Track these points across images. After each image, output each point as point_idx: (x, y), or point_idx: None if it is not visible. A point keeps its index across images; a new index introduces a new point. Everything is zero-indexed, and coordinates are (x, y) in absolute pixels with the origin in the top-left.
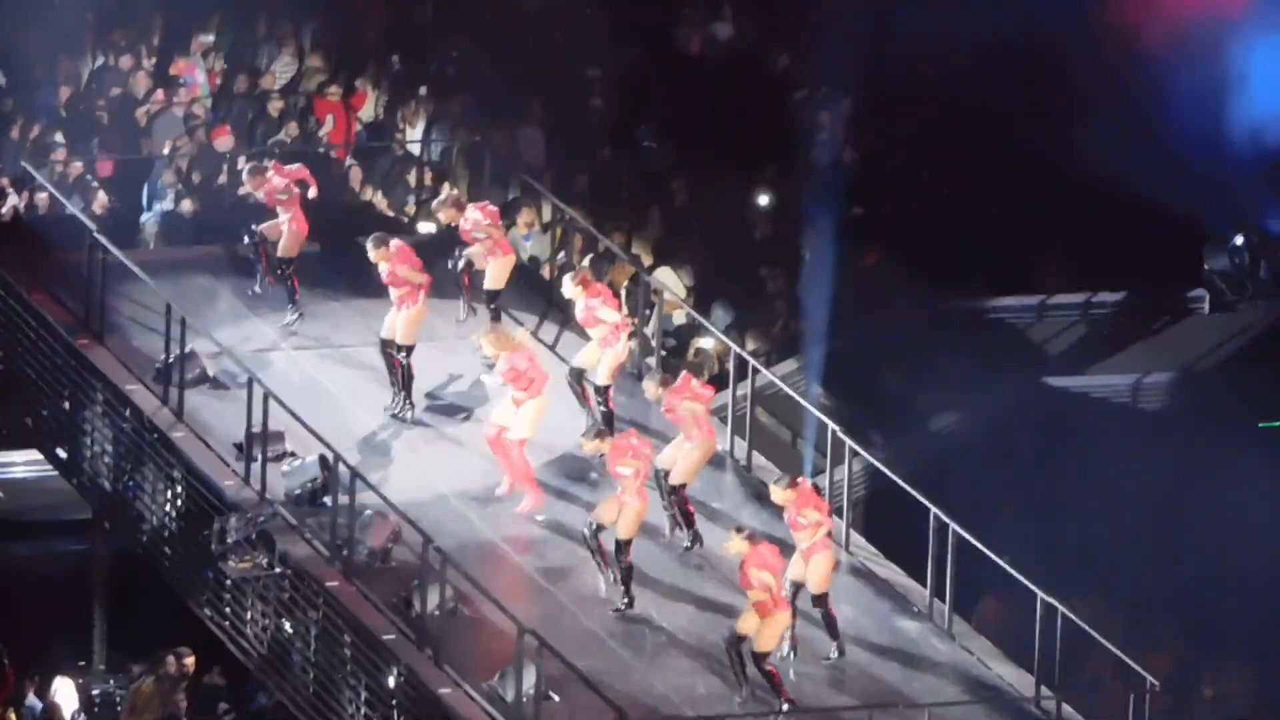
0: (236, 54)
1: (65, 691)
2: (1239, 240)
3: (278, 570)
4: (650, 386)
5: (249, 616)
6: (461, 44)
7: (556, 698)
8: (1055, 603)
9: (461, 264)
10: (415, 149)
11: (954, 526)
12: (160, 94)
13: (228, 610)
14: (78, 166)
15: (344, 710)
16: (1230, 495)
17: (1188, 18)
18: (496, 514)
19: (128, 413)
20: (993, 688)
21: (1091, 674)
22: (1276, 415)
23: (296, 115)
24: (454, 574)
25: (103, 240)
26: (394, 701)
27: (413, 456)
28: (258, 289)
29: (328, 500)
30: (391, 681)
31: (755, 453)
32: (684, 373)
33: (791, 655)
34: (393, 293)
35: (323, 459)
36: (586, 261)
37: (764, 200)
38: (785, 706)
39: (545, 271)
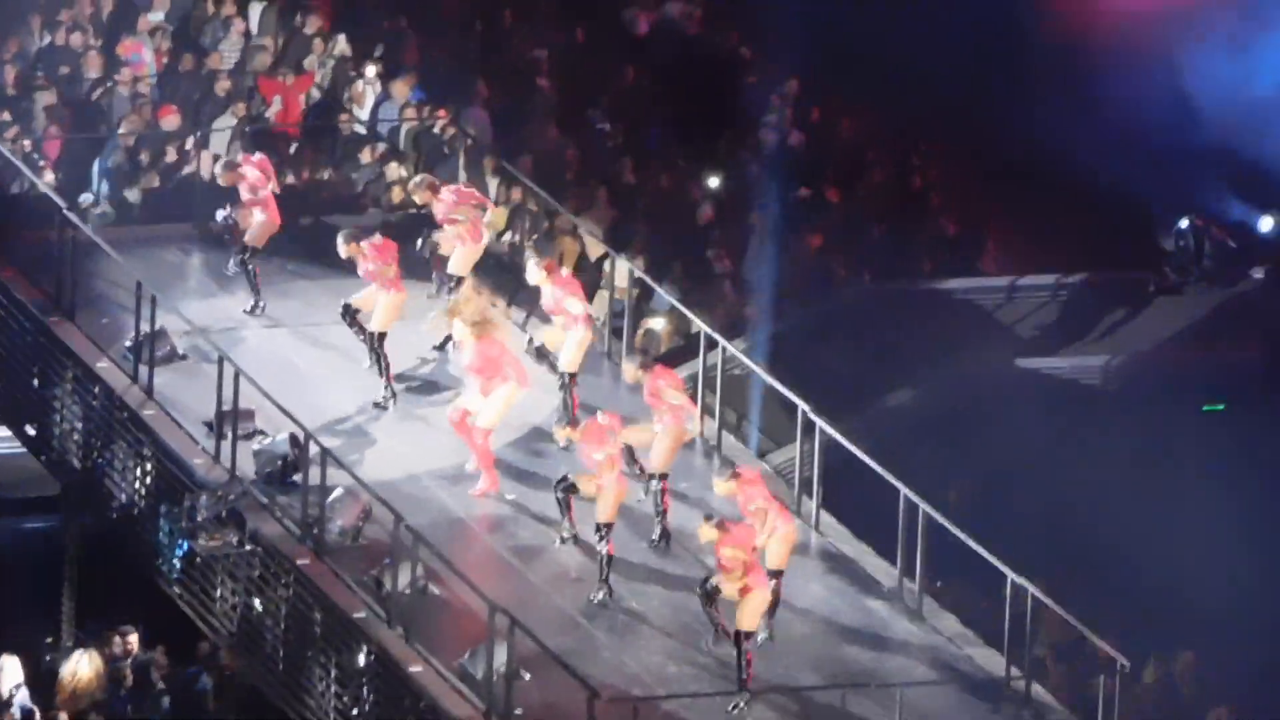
0: (183, 33)
1: (10, 668)
2: (1184, 224)
3: (248, 548)
4: (629, 369)
5: (218, 594)
6: (409, 25)
7: (528, 676)
8: (1026, 583)
9: (427, 252)
10: (399, 130)
11: (924, 506)
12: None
13: (197, 588)
14: (25, 145)
15: (314, 688)
16: (1174, 479)
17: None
18: (467, 493)
19: (97, 390)
20: (962, 668)
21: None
22: (1219, 399)
23: (244, 95)
24: (425, 552)
25: (72, 218)
26: (364, 679)
27: (383, 435)
28: (232, 268)
29: (298, 478)
30: (362, 660)
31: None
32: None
33: (768, 640)
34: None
35: (293, 437)
36: (530, 242)
37: (713, 182)
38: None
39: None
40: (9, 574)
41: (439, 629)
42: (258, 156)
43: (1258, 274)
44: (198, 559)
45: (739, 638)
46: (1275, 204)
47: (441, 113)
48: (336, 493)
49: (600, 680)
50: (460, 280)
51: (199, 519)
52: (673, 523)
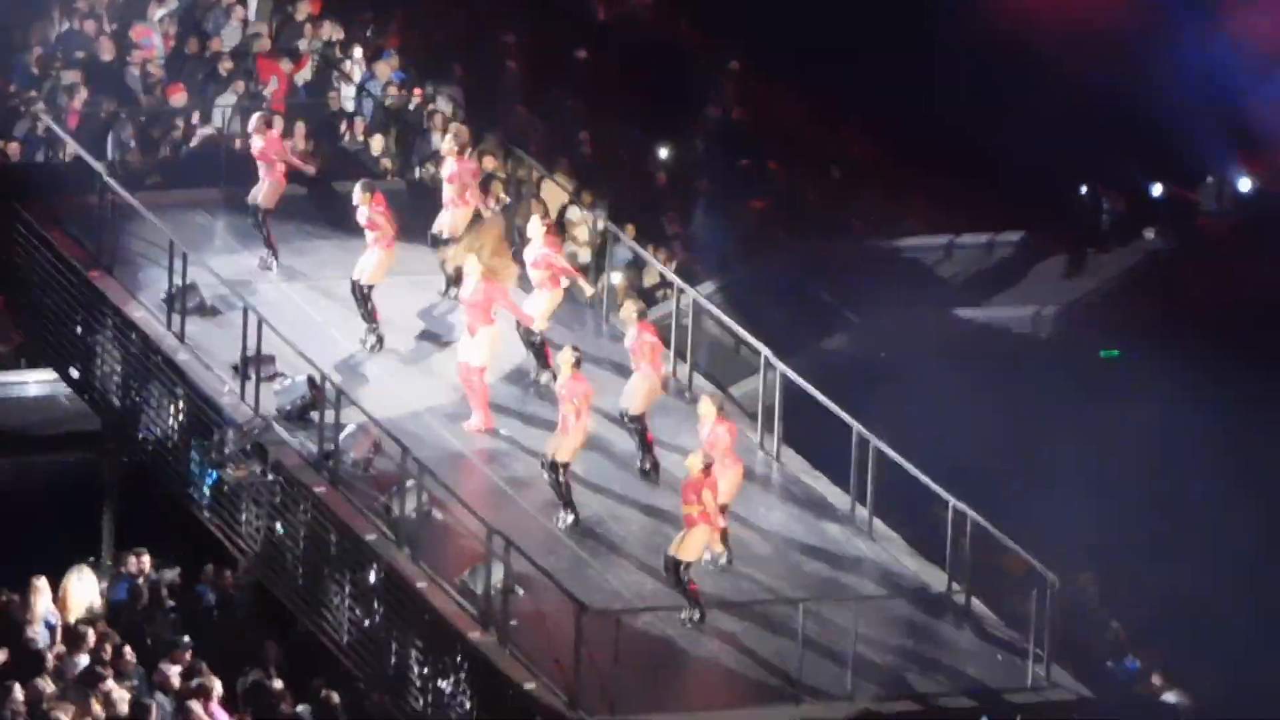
0: (189, 19)
1: (45, 589)
2: (1083, 190)
3: (270, 478)
4: (630, 307)
5: (244, 519)
6: (394, 12)
7: (521, 592)
8: (966, 508)
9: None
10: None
11: (875, 442)
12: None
13: (225, 514)
14: (48, 120)
15: (330, 602)
16: (1076, 421)
17: None
18: (464, 429)
19: (134, 337)
20: (909, 584)
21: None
22: (1115, 347)
23: (243, 75)
24: (429, 481)
25: (112, 183)
26: (375, 595)
27: (390, 378)
28: (265, 263)
29: (315, 416)
30: (373, 577)
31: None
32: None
33: (726, 561)
34: (368, 235)
35: (311, 379)
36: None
37: (664, 153)
38: (696, 615)
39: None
40: (54, 503)
41: (442, 550)
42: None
43: (1149, 234)
44: (225, 487)
45: (678, 566)
46: (1165, 171)
47: (418, 91)
48: (349, 428)
49: (586, 595)
50: (450, 240)
51: (226, 451)
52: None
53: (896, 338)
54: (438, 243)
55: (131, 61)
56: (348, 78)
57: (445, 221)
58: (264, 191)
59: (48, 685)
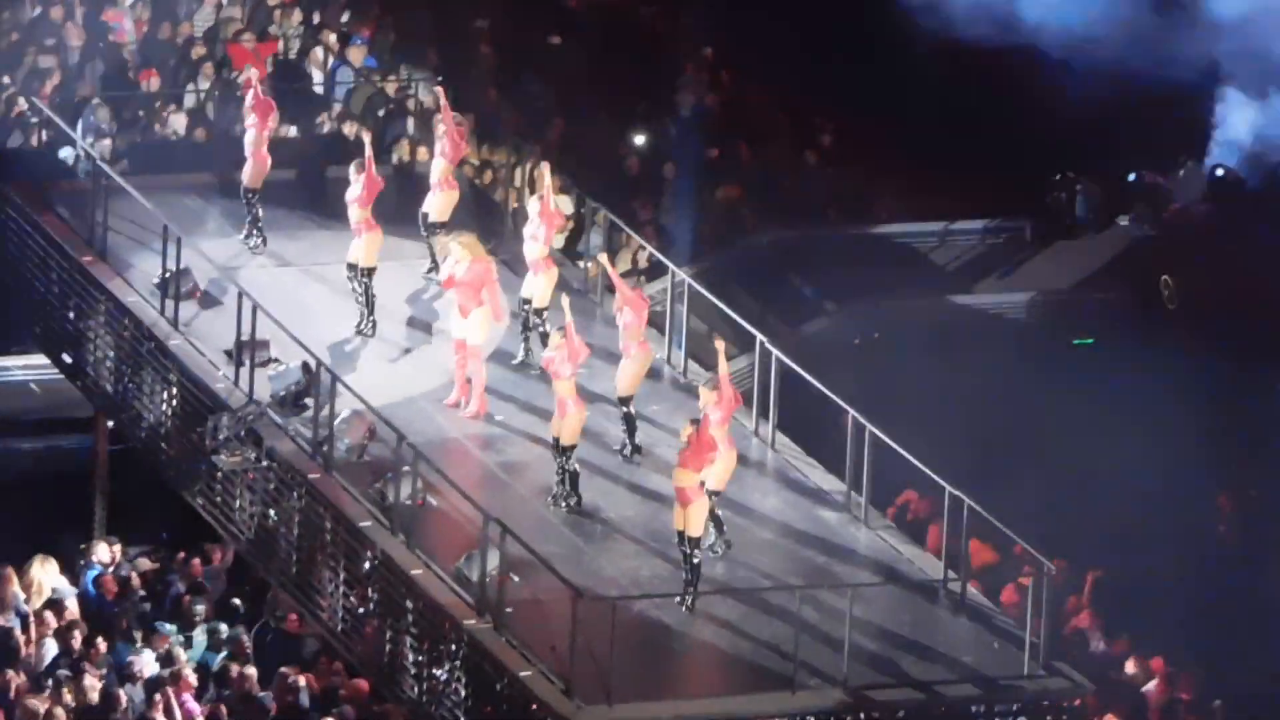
0: (161, 4)
1: (47, 569)
2: (1056, 177)
3: (265, 464)
4: (626, 292)
5: (238, 505)
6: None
7: (517, 579)
8: (962, 495)
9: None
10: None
11: (870, 428)
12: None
13: (219, 500)
14: (21, 105)
15: (325, 589)
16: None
17: None
18: (459, 414)
19: (127, 322)
20: (906, 570)
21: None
22: (1089, 335)
23: (215, 61)
24: (424, 467)
25: (105, 168)
26: (370, 581)
27: (384, 363)
28: (252, 245)
29: (309, 401)
30: (367, 564)
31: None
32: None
33: (725, 546)
34: (352, 218)
35: (305, 365)
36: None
37: (640, 140)
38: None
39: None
40: (46, 488)
41: (437, 536)
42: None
43: (1123, 221)
44: (219, 473)
45: (693, 543)
46: (1139, 160)
47: (392, 78)
48: (344, 414)
49: (581, 582)
50: (442, 225)
51: (220, 438)
52: (640, 441)
53: (885, 323)
54: (427, 224)
55: (104, 46)
56: (319, 64)
57: (434, 204)
58: (249, 171)
59: (18, 676)
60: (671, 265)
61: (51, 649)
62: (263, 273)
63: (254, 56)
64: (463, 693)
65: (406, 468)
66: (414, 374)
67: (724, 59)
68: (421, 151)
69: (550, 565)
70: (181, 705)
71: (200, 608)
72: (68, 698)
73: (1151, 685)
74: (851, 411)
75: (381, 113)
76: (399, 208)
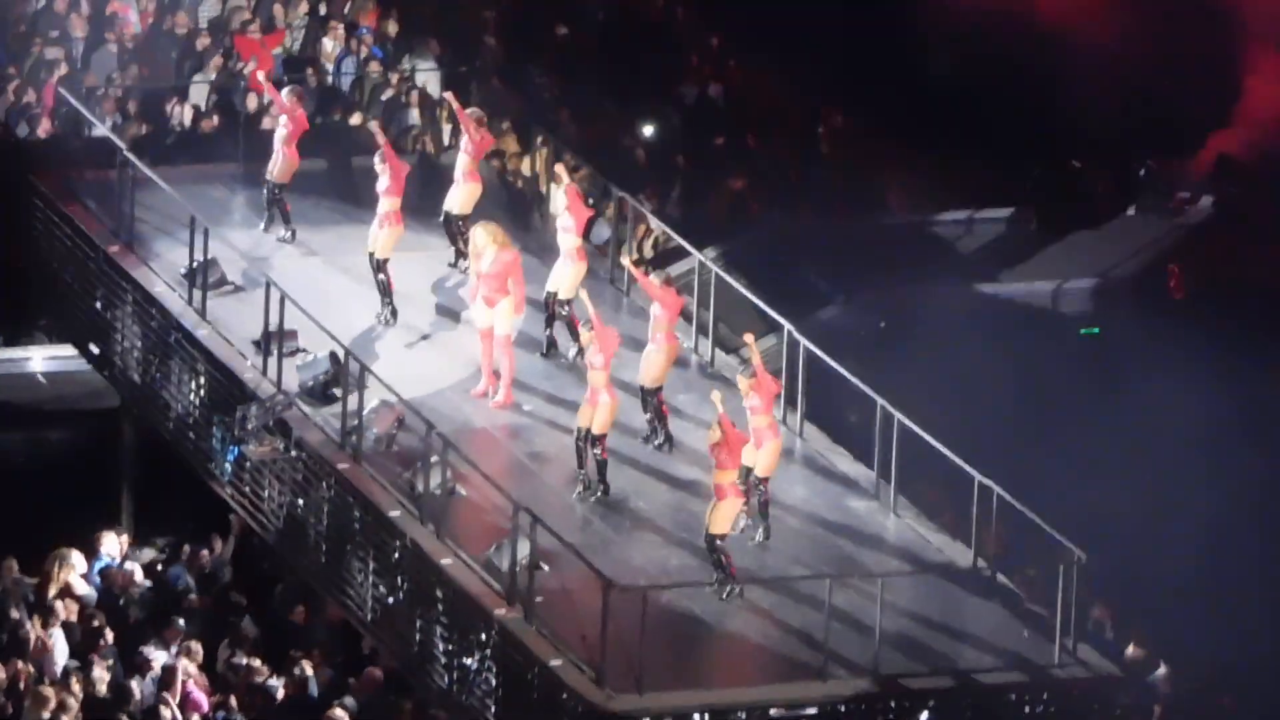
0: None
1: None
2: (1076, 165)
3: (293, 454)
4: (656, 281)
5: (266, 495)
6: None
7: (546, 568)
8: (991, 484)
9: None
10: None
11: (899, 416)
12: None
13: (247, 490)
14: (30, 96)
15: (354, 579)
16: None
17: None
18: (487, 404)
19: (155, 312)
20: (935, 559)
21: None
22: (1094, 325)
23: (221, 52)
24: (453, 457)
25: (132, 158)
26: (399, 571)
27: (411, 353)
28: (283, 235)
29: (337, 391)
30: (397, 553)
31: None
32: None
33: (764, 537)
34: (380, 207)
35: (333, 354)
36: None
37: (648, 130)
38: (729, 590)
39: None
40: (74, 479)
41: (466, 526)
42: (286, 94)
43: (1131, 212)
44: (247, 464)
45: (711, 540)
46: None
47: (394, 70)
48: (372, 404)
49: (610, 571)
50: (464, 218)
51: (249, 427)
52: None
53: (913, 312)
54: (449, 219)
55: (109, 38)
56: (328, 56)
57: (456, 198)
58: (278, 167)
59: (28, 667)
60: (696, 253)
61: (61, 640)
62: (290, 263)
63: (260, 48)
64: (493, 682)
65: (435, 457)
66: (441, 364)
67: (730, 48)
68: (428, 141)
69: (581, 554)
70: (189, 696)
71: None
72: (76, 688)
73: (1159, 674)
74: (881, 401)
75: (385, 97)
76: (422, 198)
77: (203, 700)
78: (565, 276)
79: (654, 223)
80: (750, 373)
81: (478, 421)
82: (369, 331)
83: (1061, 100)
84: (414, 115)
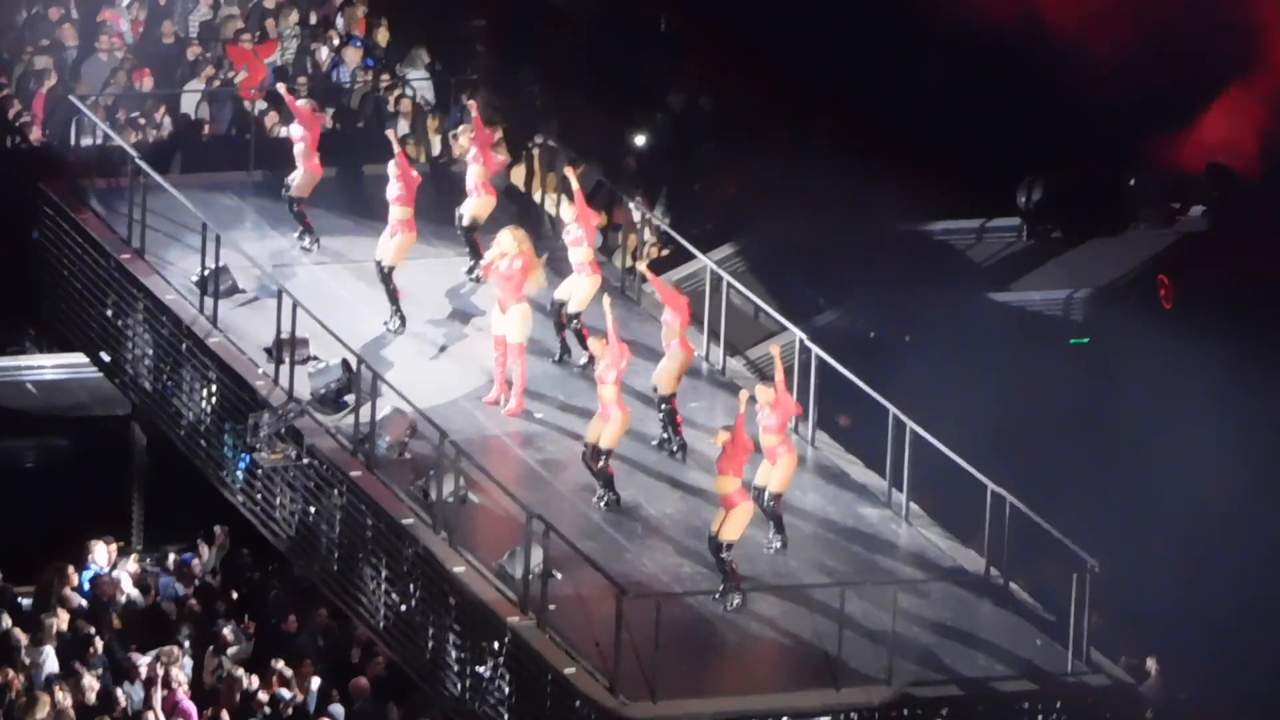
0: (156, 4)
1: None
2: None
3: (305, 461)
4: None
5: (278, 503)
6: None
7: (559, 575)
8: (1004, 492)
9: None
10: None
11: (911, 425)
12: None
13: (259, 497)
14: (16, 105)
15: (366, 586)
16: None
17: None
18: (499, 412)
19: (166, 320)
20: (948, 568)
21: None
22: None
23: (213, 61)
24: (466, 464)
25: (144, 166)
26: (412, 578)
27: (423, 361)
28: (306, 245)
29: (350, 399)
30: (409, 561)
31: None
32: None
33: (781, 546)
34: (392, 216)
35: (345, 362)
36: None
37: (640, 139)
38: (734, 600)
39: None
40: (84, 486)
41: (479, 533)
42: (303, 103)
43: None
44: (259, 471)
45: (718, 546)
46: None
47: (386, 77)
48: (385, 411)
49: (623, 579)
50: (477, 230)
51: (261, 435)
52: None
53: (919, 319)
54: (463, 227)
55: (99, 47)
56: (321, 65)
57: (470, 209)
58: (299, 180)
59: (18, 676)
60: (704, 257)
61: (49, 649)
62: (301, 270)
63: (253, 57)
64: (506, 690)
65: (448, 465)
66: (454, 371)
67: (722, 54)
68: (415, 150)
69: (594, 562)
70: (178, 705)
71: (197, 608)
72: (65, 697)
73: (1149, 683)
74: (893, 409)
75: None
76: (437, 206)
77: (192, 710)
78: (577, 289)
79: (648, 231)
80: (771, 386)
81: (490, 429)
82: (381, 339)
83: (1061, 100)
84: (403, 125)
